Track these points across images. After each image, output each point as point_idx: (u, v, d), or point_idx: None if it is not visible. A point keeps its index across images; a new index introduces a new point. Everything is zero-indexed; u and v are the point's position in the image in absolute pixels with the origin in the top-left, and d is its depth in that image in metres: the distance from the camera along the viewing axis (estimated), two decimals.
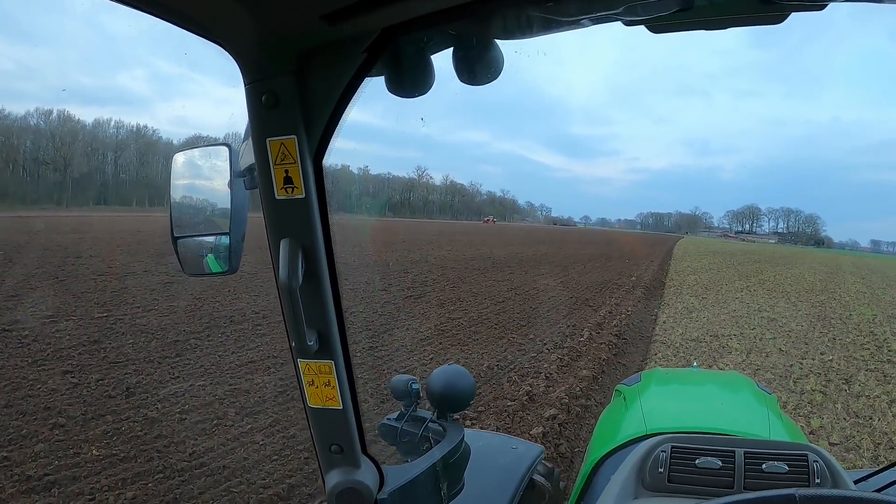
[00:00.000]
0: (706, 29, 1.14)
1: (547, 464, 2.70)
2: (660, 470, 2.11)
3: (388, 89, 1.25)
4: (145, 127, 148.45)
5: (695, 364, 5.40)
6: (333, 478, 1.43)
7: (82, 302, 13.84)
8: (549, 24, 1.13)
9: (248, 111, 1.17)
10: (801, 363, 12.88)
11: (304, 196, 1.19)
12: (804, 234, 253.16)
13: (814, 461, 1.97)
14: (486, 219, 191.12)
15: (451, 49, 1.24)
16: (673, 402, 3.46)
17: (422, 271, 24.34)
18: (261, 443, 7.10)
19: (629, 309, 18.24)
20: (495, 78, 1.25)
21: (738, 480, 1.99)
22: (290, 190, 1.19)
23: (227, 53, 1.12)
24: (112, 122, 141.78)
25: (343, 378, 1.35)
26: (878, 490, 1.84)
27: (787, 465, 1.98)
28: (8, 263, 18.88)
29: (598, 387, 10.15)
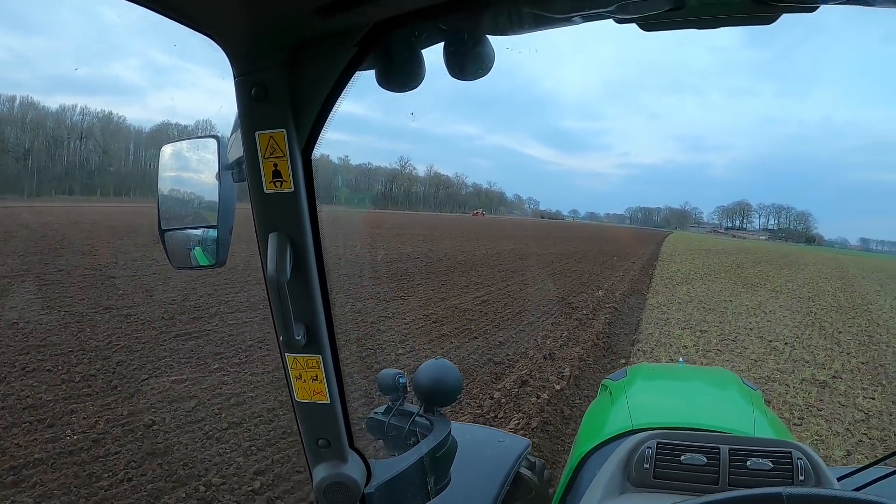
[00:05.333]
0: (698, 28, 1.15)
1: (532, 457, 2.86)
2: (645, 465, 2.08)
3: (379, 83, 1.27)
4: (110, 113, 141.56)
5: (681, 360, 6.22)
6: (320, 472, 1.46)
7: None
8: (541, 21, 1.15)
9: (238, 104, 1.19)
10: None
11: (292, 190, 1.22)
12: (795, 231, 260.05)
13: (798, 458, 1.96)
14: (475, 211, 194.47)
15: (442, 44, 1.24)
16: (659, 397, 3.45)
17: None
18: None
19: (570, 371, 10.16)
20: (485, 74, 1.26)
21: (722, 477, 1.97)
22: (278, 184, 1.22)
23: (216, 45, 1.14)
24: (77, 109, 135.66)
25: (331, 372, 1.38)
26: (861, 487, 1.92)
27: (772, 461, 1.97)
28: None
29: None
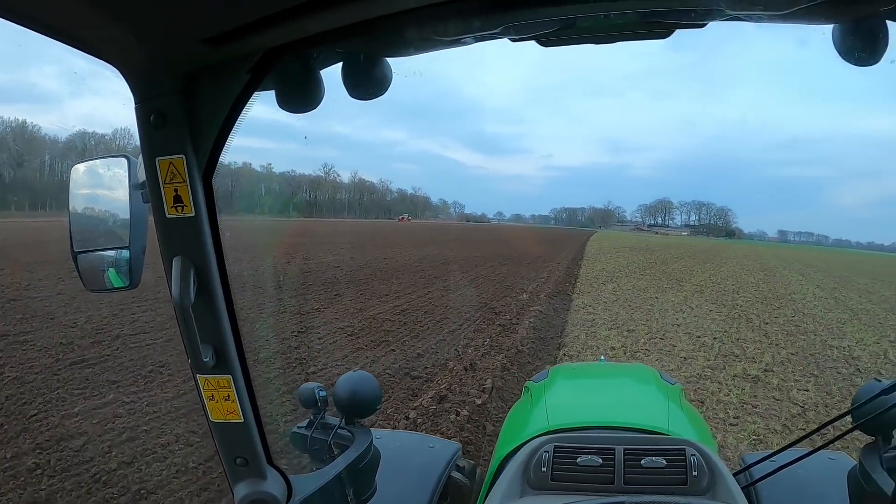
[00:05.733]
0: (594, 43, 1.22)
1: (464, 461, 2.88)
2: (543, 469, 2.09)
3: (279, 105, 1.30)
4: (24, 122, 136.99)
5: (602, 357, 6.34)
6: (241, 490, 1.47)
7: None
8: (434, 43, 1.21)
9: (138, 130, 1.21)
10: None
11: (193, 215, 1.24)
12: (716, 226, 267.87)
13: (691, 455, 1.97)
14: (400, 217, 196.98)
15: (340, 65, 1.28)
16: (577, 397, 3.42)
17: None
18: None
19: (492, 383, 9.40)
20: (383, 93, 1.30)
21: (617, 477, 1.98)
22: (179, 209, 1.24)
23: (118, 72, 1.16)
24: None
25: (242, 391, 1.39)
26: (771, 473, 2.20)
27: (666, 459, 1.98)
28: None
29: None
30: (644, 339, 13.94)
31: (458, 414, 7.88)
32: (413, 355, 11.06)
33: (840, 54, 1.14)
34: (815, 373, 11.39)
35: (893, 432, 1.96)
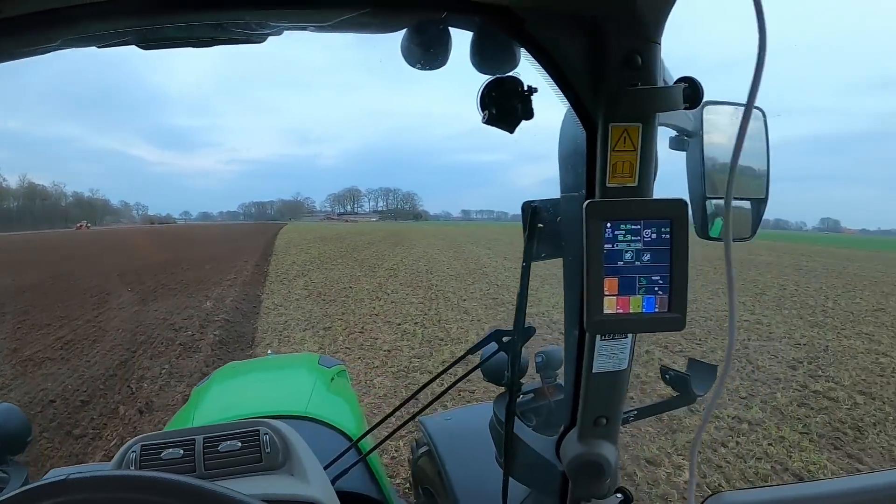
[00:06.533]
0: (194, 46, 1.26)
1: None
2: (131, 468, 1.99)
3: None
4: None
5: (270, 352, 6.38)
6: None
7: None
8: (31, 50, 1.18)
9: None
10: None
11: None
12: (403, 210, 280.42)
13: (265, 434, 2.02)
14: (78, 225, 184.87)
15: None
16: (225, 395, 3.47)
17: None
18: None
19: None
20: None
21: (198, 464, 1.95)
22: None
23: None
24: None
25: None
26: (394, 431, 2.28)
27: (241, 442, 2.00)
28: None
29: None
30: (343, 336, 12.95)
31: None
32: (75, 406, 8.85)
33: (406, 61, 1.26)
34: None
35: (521, 380, 1.95)
